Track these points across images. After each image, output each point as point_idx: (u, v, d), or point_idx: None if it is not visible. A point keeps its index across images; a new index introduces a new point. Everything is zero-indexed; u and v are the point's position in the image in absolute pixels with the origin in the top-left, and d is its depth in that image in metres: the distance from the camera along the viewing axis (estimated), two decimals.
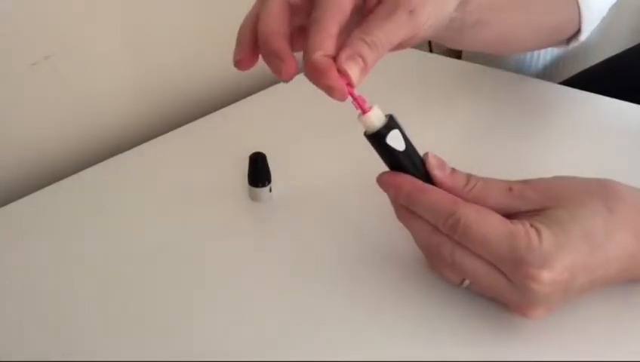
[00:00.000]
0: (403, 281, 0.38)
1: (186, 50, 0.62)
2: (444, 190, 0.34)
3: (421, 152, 0.36)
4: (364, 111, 0.33)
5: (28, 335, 0.35)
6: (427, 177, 0.35)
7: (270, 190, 0.46)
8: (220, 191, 0.48)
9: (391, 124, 0.34)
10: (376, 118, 0.33)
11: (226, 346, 0.34)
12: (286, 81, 0.33)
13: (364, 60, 0.32)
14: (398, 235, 0.41)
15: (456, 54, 1.14)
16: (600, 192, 0.33)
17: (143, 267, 0.40)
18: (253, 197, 0.47)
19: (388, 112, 0.34)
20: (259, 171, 0.45)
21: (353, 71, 0.31)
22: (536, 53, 1.04)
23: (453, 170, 0.35)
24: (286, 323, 0.36)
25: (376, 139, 0.34)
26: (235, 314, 0.36)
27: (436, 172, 0.35)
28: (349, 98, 0.32)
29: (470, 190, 0.34)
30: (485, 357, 0.33)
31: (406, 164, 0.35)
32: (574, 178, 0.35)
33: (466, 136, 0.55)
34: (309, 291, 0.38)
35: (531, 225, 0.32)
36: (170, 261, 0.41)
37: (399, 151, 0.34)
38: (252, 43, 0.34)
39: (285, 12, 0.33)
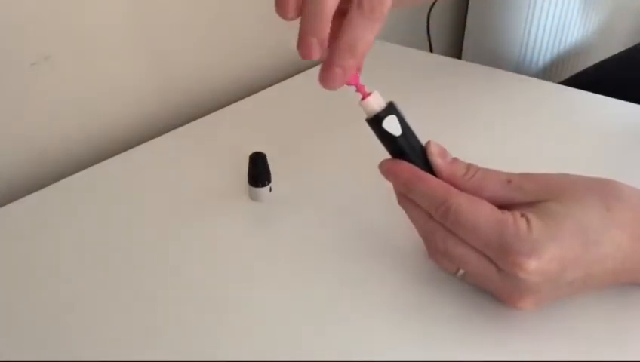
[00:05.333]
0: (404, 279, 0.38)
1: (186, 51, 0.62)
2: (444, 178, 0.35)
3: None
4: (364, 96, 0.34)
5: (28, 335, 0.35)
6: (427, 164, 0.36)
7: (270, 190, 0.47)
8: (220, 191, 0.48)
9: (389, 109, 0.35)
10: (375, 103, 0.34)
11: (227, 345, 0.34)
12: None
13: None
14: (398, 233, 0.41)
15: (457, 54, 1.14)
16: (600, 190, 0.33)
17: (142, 267, 0.40)
18: (253, 197, 0.47)
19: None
20: (259, 171, 0.45)
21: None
22: (536, 52, 1.04)
23: (455, 158, 0.36)
24: (287, 322, 0.36)
25: (374, 123, 0.35)
26: (235, 313, 0.36)
27: (437, 159, 0.35)
28: (347, 89, 0.34)
29: (469, 179, 0.35)
30: (483, 356, 0.33)
31: (405, 149, 0.35)
32: (577, 175, 0.35)
33: (465, 135, 0.55)
34: (309, 290, 0.38)
35: (522, 215, 0.32)
36: (170, 261, 0.41)
37: (396, 137, 0.35)
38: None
39: None
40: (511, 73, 0.69)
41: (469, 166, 0.36)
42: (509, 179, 0.35)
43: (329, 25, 0.32)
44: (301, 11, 0.32)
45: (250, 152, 0.45)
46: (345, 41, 0.32)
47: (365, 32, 0.31)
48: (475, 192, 0.34)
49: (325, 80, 0.33)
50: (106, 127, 0.58)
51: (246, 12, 0.64)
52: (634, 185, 0.35)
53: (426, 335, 0.35)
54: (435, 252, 0.36)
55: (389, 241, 0.42)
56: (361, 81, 0.34)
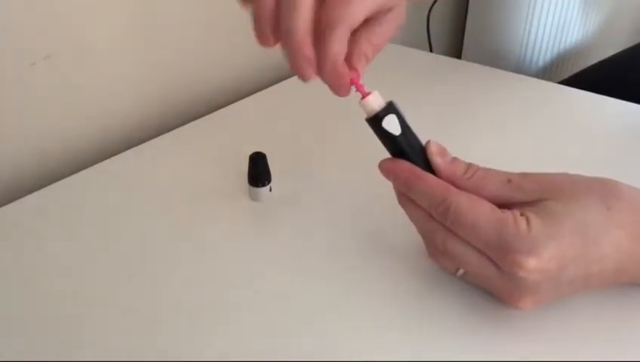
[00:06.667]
0: (404, 278, 0.38)
1: (186, 51, 0.62)
2: (444, 177, 0.35)
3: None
4: (363, 96, 0.34)
5: (28, 335, 0.35)
6: (427, 164, 0.36)
7: (270, 190, 0.47)
8: (220, 191, 0.48)
9: (389, 109, 0.35)
10: (375, 103, 0.35)
11: (226, 345, 0.34)
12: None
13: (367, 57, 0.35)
14: (398, 233, 0.41)
15: (457, 54, 1.14)
16: (600, 190, 0.33)
17: (143, 267, 0.40)
18: (253, 197, 0.47)
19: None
20: (259, 171, 0.45)
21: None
22: (536, 52, 1.04)
23: (455, 158, 0.36)
24: (287, 322, 0.36)
25: (374, 122, 0.35)
26: (235, 313, 0.36)
27: (437, 159, 0.36)
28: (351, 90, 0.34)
29: (469, 178, 0.35)
30: (483, 356, 0.33)
31: (405, 149, 0.36)
32: (577, 175, 0.35)
33: (465, 135, 0.55)
34: (309, 290, 0.38)
35: (522, 214, 0.32)
36: (170, 261, 0.41)
37: (396, 136, 0.35)
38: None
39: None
40: (511, 73, 0.69)
41: (469, 165, 0.36)
42: (509, 178, 0.35)
43: (308, 41, 0.32)
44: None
45: (250, 152, 0.45)
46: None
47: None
48: (474, 191, 0.34)
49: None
50: (106, 126, 0.58)
51: (246, 12, 0.64)
52: (634, 185, 0.35)
53: (425, 335, 0.35)
54: (434, 251, 0.36)
55: (389, 241, 0.42)
56: (361, 80, 0.34)
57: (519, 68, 1.05)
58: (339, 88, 0.33)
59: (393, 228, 0.42)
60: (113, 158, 0.53)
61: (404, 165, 0.35)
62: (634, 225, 0.33)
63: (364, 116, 0.35)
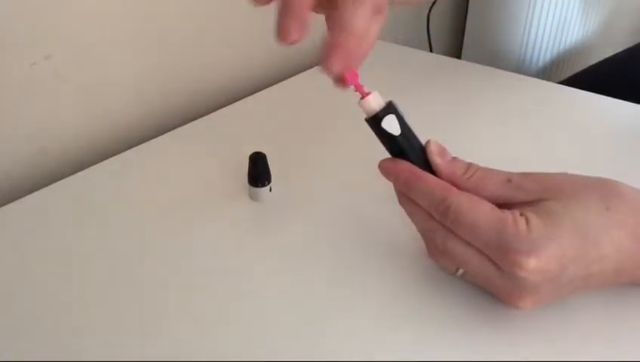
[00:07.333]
0: (404, 278, 0.38)
1: (186, 51, 0.62)
2: (444, 177, 0.35)
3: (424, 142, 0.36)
4: (363, 96, 0.34)
5: (28, 335, 0.35)
6: (427, 164, 0.36)
7: (270, 190, 0.47)
8: (220, 191, 0.48)
9: (388, 109, 0.35)
10: (374, 103, 0.35)
11: (227, 346, 0.34)
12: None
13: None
14: (398, 233, 0.41)
15: (457, 54, 1.14)
16: (600, 190, 0.33)
17: (142, 267, 0.40)
18: (253, 197, 0.47)
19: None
20: (259, 171, 0.45)
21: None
22: (536, 52, 1.04)
23: (454, 157, 0.36)
24: (287, 322, 0.36)
25: (373, 122, 0.35)
26: (235, 314, 0.36)
27: (436, 158, 0.36)
28: (349, 90, 0.34)
29: (469, 178, 0.35)
30: (483, 356, 0.33)
31: (404, 149, 0.36)
32: (577, 175, 0.35)
33: (465, 135, 0.55)
34: (309, 290, 0.38)
35: (521, 214, 0.32)
36: (170, 261, 0.41)
37: (395, 136, 0.35)
38: None
39: None
40: (511, 73, 0.69)
41: (469, 165, 0.36)
42: (509, 178, 0.35)
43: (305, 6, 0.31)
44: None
45: (250, 152, 0.45)
46: (339, 22, 0.31)
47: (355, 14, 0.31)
48: (474, 191, 0.34)
49: (326, 61, 0.32)
50: (106, 127, 0.58)
51: (246, 12, 0.64)
52: (634, 185, 0.35)
53: (425, 335, 0.35)
54: (434, 251, 0.36)
55: (389, 241, 0.42)
56: (361, 80, 0.34)
57: (519, 68, 1.05)
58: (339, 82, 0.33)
59: (393, 228, 0.42)
60: (113, 158, 0.53)
61: (404, 165, 0.35)
62: (634, 225, 0.33)
63: (364, 116, 0.35)
